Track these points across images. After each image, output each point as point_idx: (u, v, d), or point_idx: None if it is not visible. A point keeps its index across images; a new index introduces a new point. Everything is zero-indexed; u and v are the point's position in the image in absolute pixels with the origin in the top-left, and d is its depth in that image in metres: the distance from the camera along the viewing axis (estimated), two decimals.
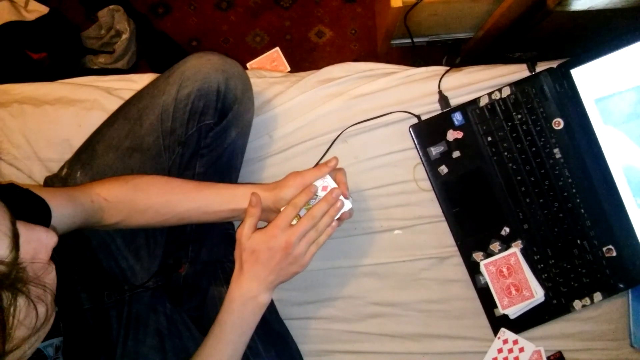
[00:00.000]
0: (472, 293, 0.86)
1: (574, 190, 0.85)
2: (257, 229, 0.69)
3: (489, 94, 0.86)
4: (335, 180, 0.74)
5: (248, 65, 1.44)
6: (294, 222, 0.69)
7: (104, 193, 0.67)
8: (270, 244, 0.67)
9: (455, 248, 0.86)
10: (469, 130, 0.86)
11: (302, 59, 1.54)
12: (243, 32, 1.55)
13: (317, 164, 0.88)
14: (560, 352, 0.84)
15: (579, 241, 0.85)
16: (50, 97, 0.93)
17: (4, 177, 0.87)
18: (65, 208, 0.60)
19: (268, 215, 0.75)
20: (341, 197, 0.72)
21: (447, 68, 0.91)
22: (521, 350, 0.84)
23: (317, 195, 0.73)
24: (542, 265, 0.85)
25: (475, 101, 0.87)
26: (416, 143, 0.87)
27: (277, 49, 1.47)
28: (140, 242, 0.77)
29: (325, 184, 0.73)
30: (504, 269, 0.85)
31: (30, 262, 0.40)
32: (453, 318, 0.87)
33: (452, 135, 0.87)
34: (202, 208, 0.71)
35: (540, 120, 0.85)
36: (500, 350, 0.84)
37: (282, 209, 0.69)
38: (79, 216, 0.63)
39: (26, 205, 0.56)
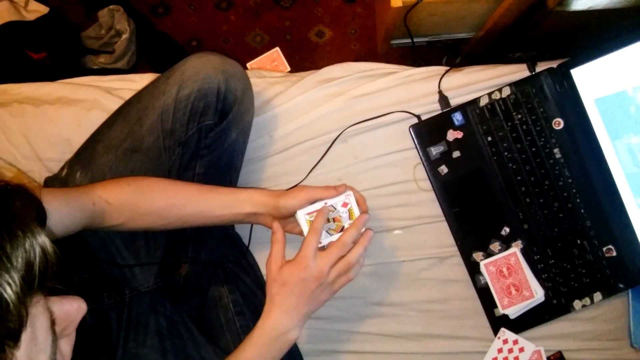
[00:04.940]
0: (472, 293, 0.86)
1: (574, 190, 0.85)
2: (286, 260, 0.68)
3: (489, 94, 0.86)
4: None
5: (248, 65, 1.44)
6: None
7: (106, 196, 0.66)
8: (302, 275, 0.65)
9: (455, 248, 0.86)
10: (469, 130, 0.86)
11: (302, 59, 1.54)
12: (243, 32, 1.55)
13: (315, 168, 0.89)
14: (560, 352, 0.84)
15: (579, 241, 0.85)
16: (50, 97, 0.93)
17: (4, 177, 0.87)
18: (64, 211, 0.60)
19: (265, 219, 0.74)
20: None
21: (447, 68, 0.91)
22: (521, 350, 0.84)
23: (335, 209, 0.71)
24: (542, 265, 0.85)
25: (475, 101, 0.87)
26: (416, 143, 0.87)
27: (277, 49, 1.47)
28: (140, 243, 0.77)
29: (347, 200, 0.71)
30: (504, 269, 0.85)
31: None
32: (453, 318, 0.87)
33: (452, 135, 0.87)
34: (205, 212, 0.71)
35: (540, 120, 0.85)
36: (500, 350, 0.84)
37: (303, 240, 0.67)
38: (79, 218, 0.63)
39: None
